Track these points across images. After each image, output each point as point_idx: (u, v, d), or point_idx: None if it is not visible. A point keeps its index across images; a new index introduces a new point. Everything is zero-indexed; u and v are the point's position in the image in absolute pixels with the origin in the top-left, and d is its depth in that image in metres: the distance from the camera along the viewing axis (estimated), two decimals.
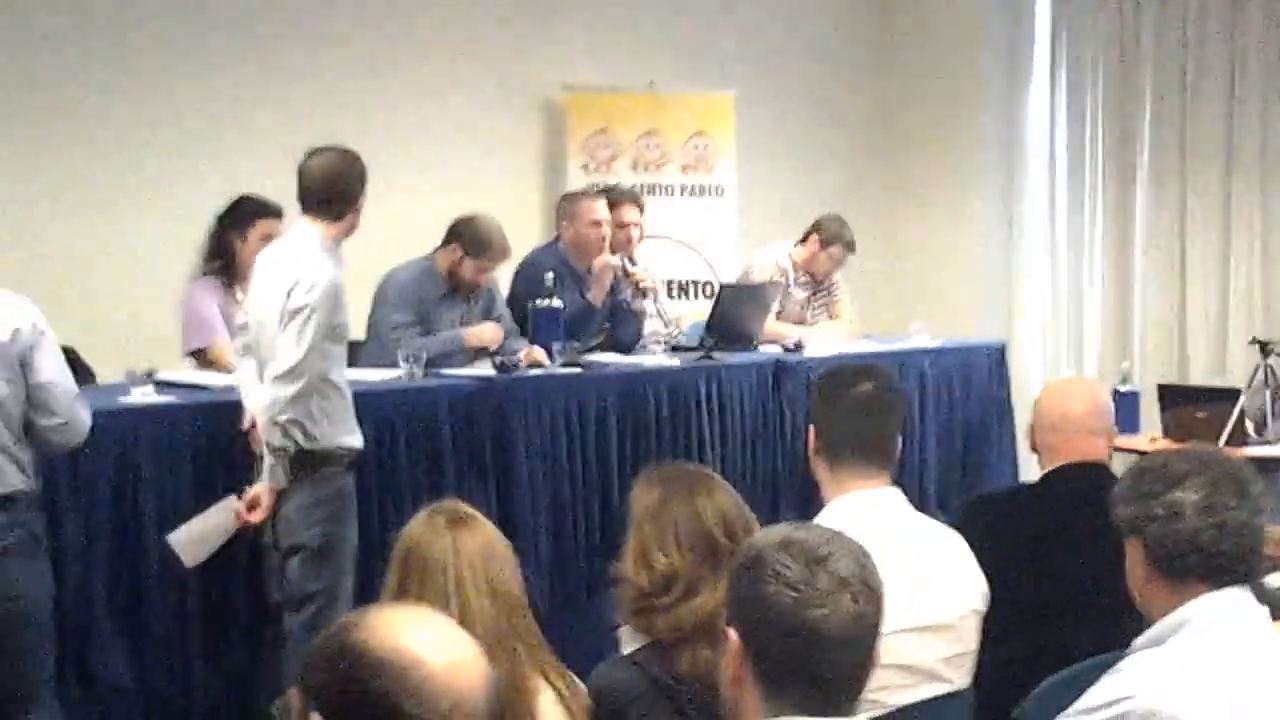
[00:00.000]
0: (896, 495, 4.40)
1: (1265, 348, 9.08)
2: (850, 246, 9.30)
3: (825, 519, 4.00)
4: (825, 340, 8.89)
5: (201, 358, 7.14)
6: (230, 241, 7.12)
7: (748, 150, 10.60)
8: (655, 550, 3.75)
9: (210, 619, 6.03)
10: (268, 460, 5.72)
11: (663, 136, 10.40)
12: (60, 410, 5.22)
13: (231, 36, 8.85)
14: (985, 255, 11.89)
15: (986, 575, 4.37)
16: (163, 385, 6.34)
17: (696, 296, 10.17)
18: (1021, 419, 9.93)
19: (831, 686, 2.62)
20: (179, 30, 8.69)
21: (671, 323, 9.00)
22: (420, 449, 6.55)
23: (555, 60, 10.16)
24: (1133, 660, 3.31)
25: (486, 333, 7.53)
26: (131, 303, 8.15)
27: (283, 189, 6.26)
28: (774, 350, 8.50)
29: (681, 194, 10.42)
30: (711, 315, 8.47)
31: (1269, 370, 8.99)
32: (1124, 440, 7.69)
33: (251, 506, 5.75)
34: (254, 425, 5.86)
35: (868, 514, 4.12)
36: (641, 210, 8.82)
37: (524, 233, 8.70)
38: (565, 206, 8.45)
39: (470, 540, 3.66)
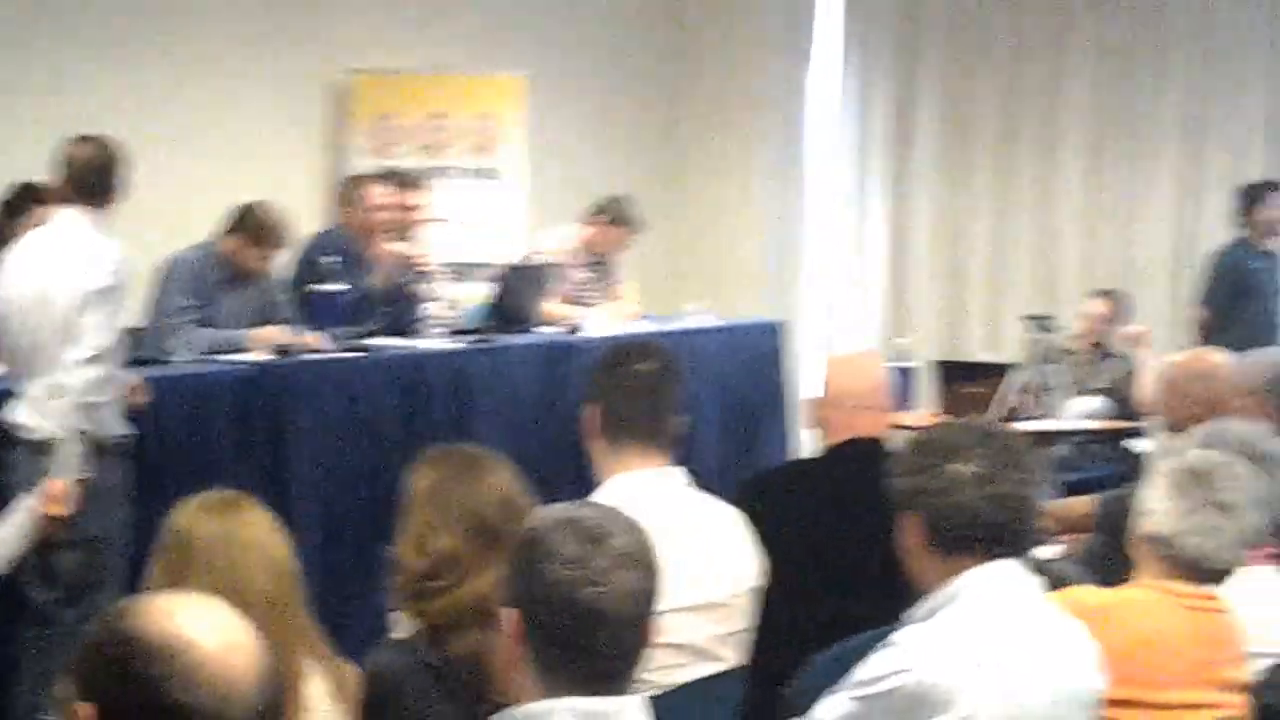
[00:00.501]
0: (675, 473, 4.39)
1: (1039, 322, 9.28)
2: (633, 227, 9.40)
3: (602, 497, 3.97)
4: (605, 321, 8.96)
5: None
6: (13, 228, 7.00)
7: (532, 133, 10.61)
8: (431, 533, 3.69)
9: None
10: (71, 449, 5.61)
11: (449, 119, 10.37)
12: None
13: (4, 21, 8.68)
14: (765, 235, 12.04)
15: (765, 551, 4.39)
16: None
17: (478, 279, 10.16)
18: (800, 397, 10.13)
19: (608, 664, 2.62)
20: None
21: (452, 305, 8.99)
22: (195, 434, 6.49)
23: (341, 42, 10.06)
24: (907, 633, 3.33)
25: (272, 335, 7.39)
26: None
27: None
28: (554, 331, 8.55)
29: (466, 176, 10.40)
30: (494, 296, 8.49)
31: (1042, 344, 9.19)
32: (902, 417, 7.81)
33: (50, 501, 5.60)
34: None
35: (644, 492, 4.09)
36: (426, 194, 8.83)
37: (308, 216, 8.66)
38: (348, 190, 8.43)
39: (241, 525, 3.61)
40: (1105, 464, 9.07)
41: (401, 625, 3.74)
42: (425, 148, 10.26)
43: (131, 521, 5.86)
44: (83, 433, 5.62)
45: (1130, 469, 8.65)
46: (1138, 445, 8.58)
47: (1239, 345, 7.08)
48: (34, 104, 8.49)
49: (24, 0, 8.76)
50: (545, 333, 8.54)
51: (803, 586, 4.59)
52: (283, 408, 6.80)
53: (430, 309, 8.54)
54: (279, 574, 3.59)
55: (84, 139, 5.96)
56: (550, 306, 8.91)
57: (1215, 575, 3.98)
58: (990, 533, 3.35)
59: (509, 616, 2.66)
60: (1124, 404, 9.47)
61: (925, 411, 9.39)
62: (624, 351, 4.62)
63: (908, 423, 7.98)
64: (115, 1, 9.15)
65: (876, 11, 11.99)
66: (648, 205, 9.83)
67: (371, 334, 7.85)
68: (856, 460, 4.95)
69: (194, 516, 3.63)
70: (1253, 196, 9.93)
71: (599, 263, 9.48)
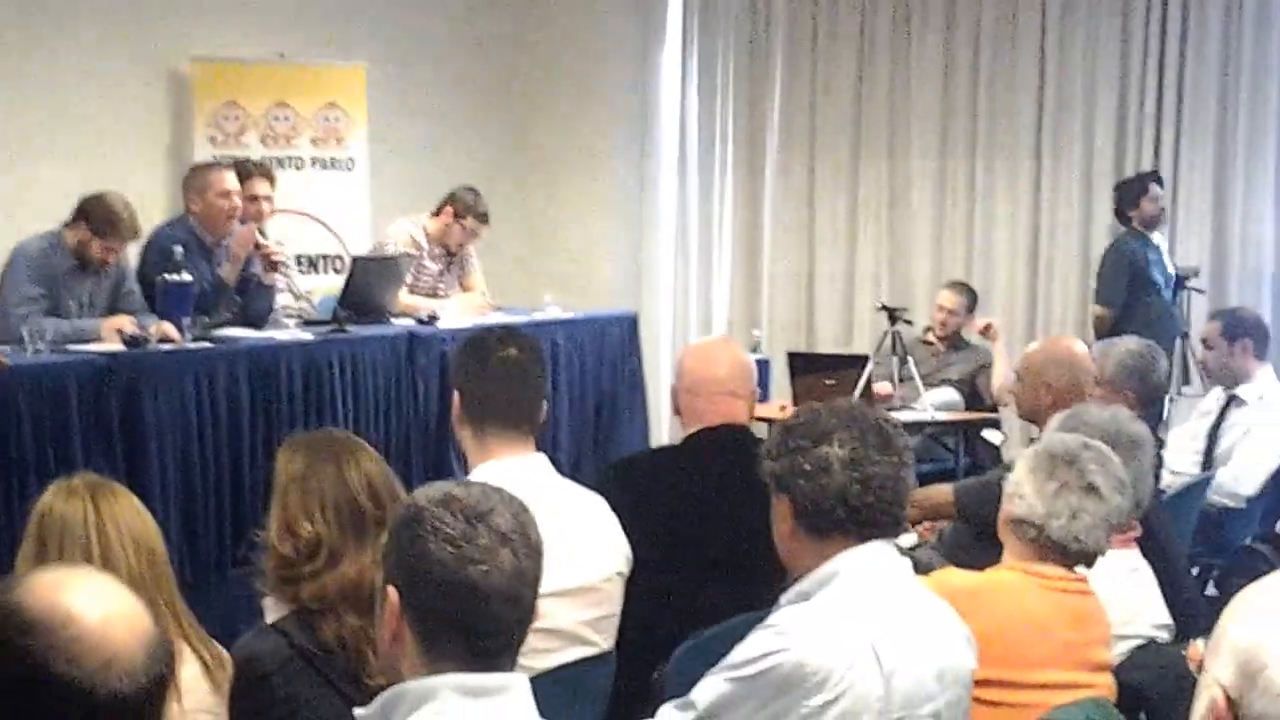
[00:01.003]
0: (541, 460, 4.45)
1: (892, 314, 9.38)
2: (483, 219, 9.38)
3: None
4: (458, 312, 8.98)
5: None
6: None
7: (380, 123, 10.57)
8: (300, 518, 3.69)
9: None
10: None
11: (293, 109, 10.29)
12: None
13: None
14: (617, 226, 12.06)
15: (629, 537, 4.44)
16: None
17: (328, 271, 10.11)
18: (653, 388, 10.20)
19: (491, 642, 2.63)
20: None
21: (303, 296, 8.97)
22: (47, 425, 6.42)
23: (182, 29, 9.94)
24: (782, 614, 3.37)
25: (122, 325, 7.28)
26: None
27: None
28: (407, 323, 8.55)
29: (312, 167, 10.33)
30: (344, 288, 8.47)
31: (896, 337, 9.30)
32: (755, 409, 7.87)
33: None
34: None
35: (512, 479, 4.05)
36: (272, 183, 8.80)
37: (151, 207, 8.58)
38: (194, 179, 8.34)
39: (110, 505, 3.65)
40: (958, 454, 9.22)
41: (272, 610, 3.74)
42: (270, 137, 10.19)
43: None
44: None
45: (984, 459, 8.82)
46: (992, 435, 8.71)
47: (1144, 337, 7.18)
48: None
49: None
50: (398, 324, 8.52)
51: (666, 572, 4.63)
52: (135, 398, 6.74)
53: (281, 300, 8.51)
54: (148, 555, 3.64)
55: None
56: (403, 298, 8.90)
57: (1082, 558, 4.07)
58: (861, 515, 3.41)
59: (390, 594, 2.67)
60: (976, 395, 9.63)
61: (777, 403, 9.46)
62: (487, 339, 4.64)
63: (761, 414, 8.07)
64: None
65: (723, 4, 12.06)
66: (496, 197, 9.84)
67: (222, 324, 7.80)
68: (717, 446, 5.02)
69: (62, 500, 3.65)
70: (1136, 189, 10.05)
71: (450, 255, 9.47)
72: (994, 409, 9.48)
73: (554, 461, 4.57)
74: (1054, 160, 11.30)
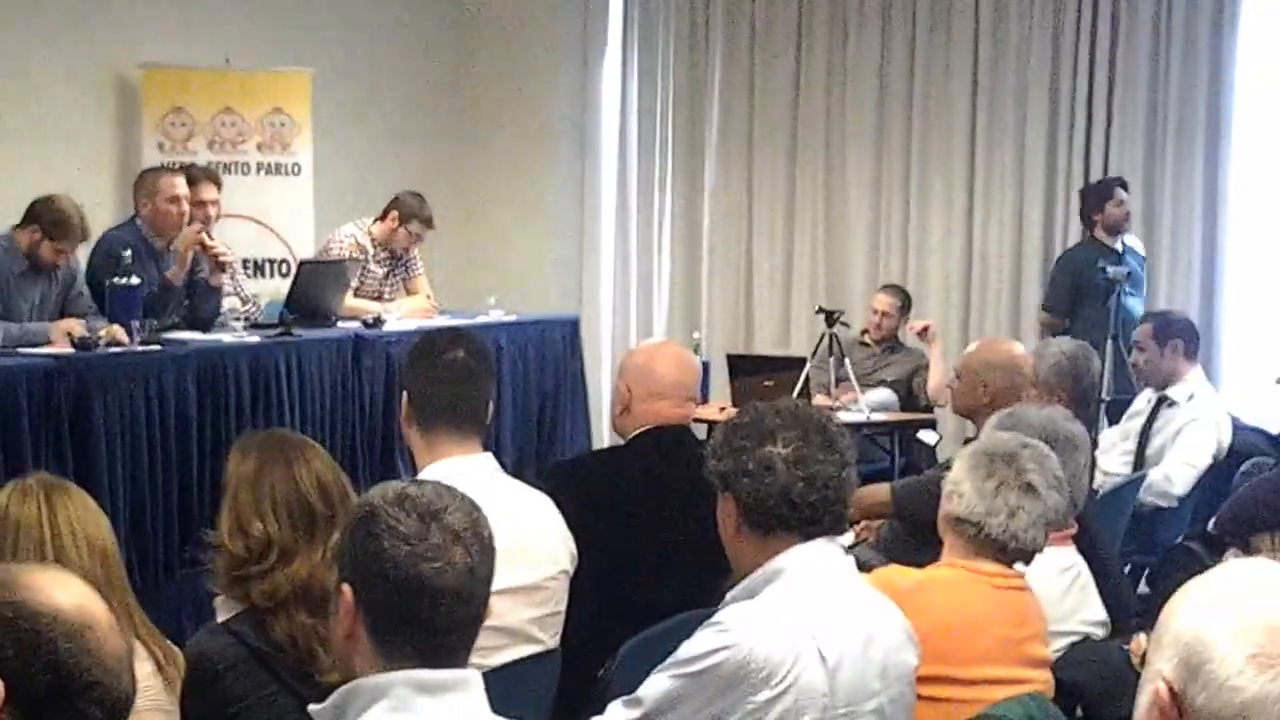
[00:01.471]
0: (488, 460, 4.45)
1: (830, 316, 9.40)
2: (428, 223, 9.38)
3: None
4: (404, 315, 8.97)
5: None
6: None
7: (325, 128, 10.54)
8: (251, 517, 3.69)
9: None
10: None
11: (240, 114, 10.26)
12: None
13: None
14: (558, 230, 12.07)
15: (575, 536, 4.45)
16: None
17: (274, 275, 10.08)
18: (594, 390, 10.21)
19: (445, 639, 2.64)
20: None
21: (250, 300, 8.94)
22: None
23: (129, 36, 9.90)
24: (727, 611, 3.37)
25: (72, 328, 7.21)
26: None
27: None
28: (353, 325, 8.53)
29: (259, 172, 10.30)
30: (291, 292, 8.46)
31: (833, 339, 9.32)
32: (696, 411, 7.87)
33: None
34: None
35: (461, 478, 4.07)
36: (219, 188, 8.79)
37: (99, 211, 8.52)
38: (143, 184, 8.31)
39: (65, 505, 3.64)
40: (893, 455, 9.25)
41: (223, 609, 3.74)
42: (217, 143, 10.15)
43: None
44: None
45: (920, 459, 8.85)
46: (927, 436, 8.73)
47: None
48: None
49: None
50: (344, 327, 8.49)
51: (612, 571, 4.64)
52: (85, 400, 6.68)
53: (228, 303, 8.47)
54: (101, 554, 3.62)
55: None
56: (348, 301, 8.88)
57: (1020, 555, 4.09)
58: (804, 513, 3.41)
59: (345, 592, 2.68)
60: (912, 396, 9.67)
61: (716, 404, 9.48)
62: (435, 341, 4.64)
63: (700, 415, 8.07)
64: None
65: (661, 10, 12.08)
66: (440, 202, 9.82)
67: (171, 327, 7.77)
68: (662, 447, 5.02)
69: (17, 500, 3.64)
70: (1100, 194, 10.03)
71: (395, 259, 9.46)
72: (929, 410, 9.52)
73: (498, 462, 4.57)
74: (987, 164, 11.32)
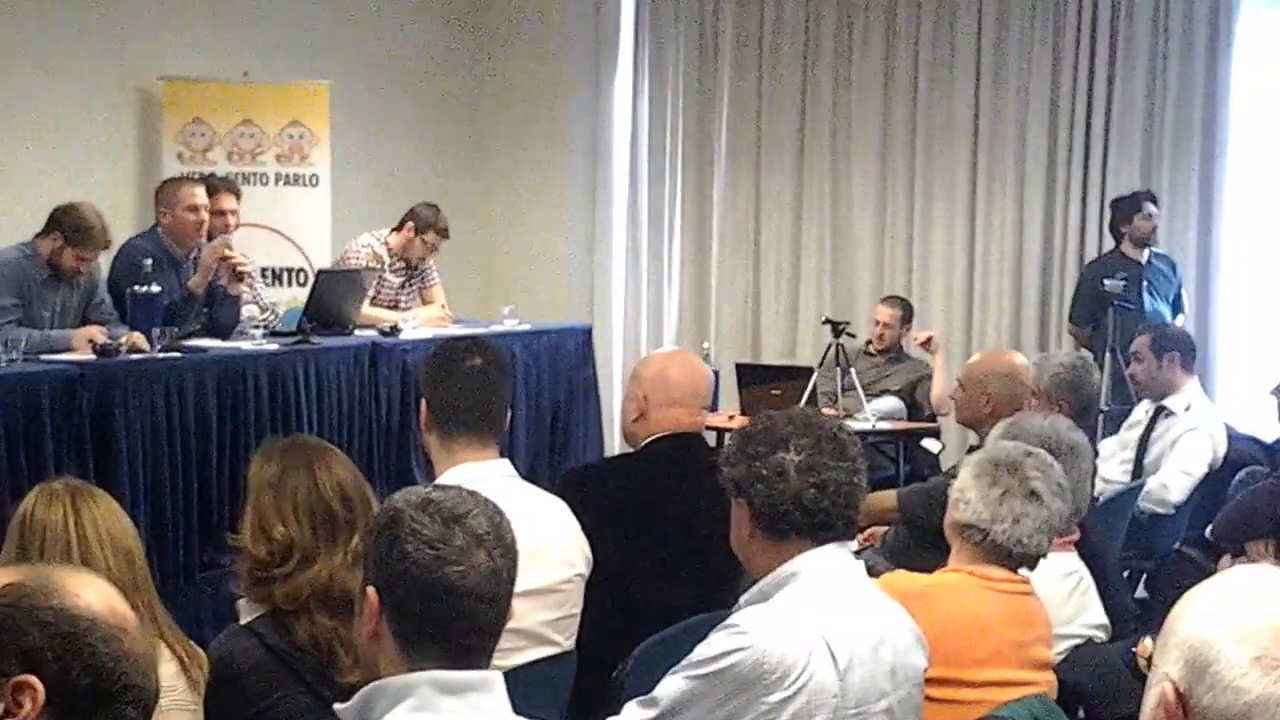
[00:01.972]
0: (505, 465, 4.47)
1: (836, 327, 9.42)
2: (444, 234, 9.39)
3: None
4: (419, 324, 8.98)
5: None
6: None
7: (343, 140, 10.57)
8: (274, 521, 3.71)
9: None
10: None
11: (258, 126, 10.28)
12: None
13: None
14: (571, 242, 12.10)
15: (590, 541, 4.45)
16: None
17: (291, 284, 10.10)
18: (606, 398, 10.22)
19: (468, 640, 2.65)
20: None
21: (269, 308, 8.95)
22: (20, 432, 6.37)
23: (150, 49, 9.93)
24: (742, 614, 3.37)
25: (93, 335, 7.22)
26: None
27: None
28: (370, 334, 8.54)
29: (277, 183, 10.33)
30: (309, 300, 8.46)
31: (839, 349, 9.33)
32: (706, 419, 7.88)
33: None
34: None
35: (478, 483, 4.09)
36: (238, 198, 8.80)
37: (120, 221, 8.55)
38: (164, 193, 8.33)
39: (90, 508, 3.64)
40: (898, 463, 9.24)
41: (246, 611, 3.75)
42: (235, 154, 10.18)
43: None
44: None
45: (924, 467, 8.85)
46: (931, 444, 8.74)
47: (1098, 358, 7.23)
48: None
49: None
50: (361, 335, 8.50)
51: (626, 574, 4.64)
52: (106, 406, 6.70)
53: (247, 311, 8.48)
54: (126, 557, 3.63)
55: None
56: (365, 310, 8.89)
57: (1024, 560, 4.11)
58: (815, 518, 3.42)
59: (370, 594, 2.69)
60: (916, 405, 9.67)
61: (725, 413, 9.49)
62: (454, 348, 4.66)
63: (710, 423, 8.08)
64: None
65: (671, 25, 12.11)
66: (455, 213, 9.83)
67: (191, 335, 7.78)
68: (674, 454, 5.03)
69: (43, 504, 3.65)
70: (1129, 207, 10.03)
71: (410, 268, 9.48)
72: (933, 419, 9.53)
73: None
74: (988, 178, 11.33)
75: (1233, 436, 7.85)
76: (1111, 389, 8.88)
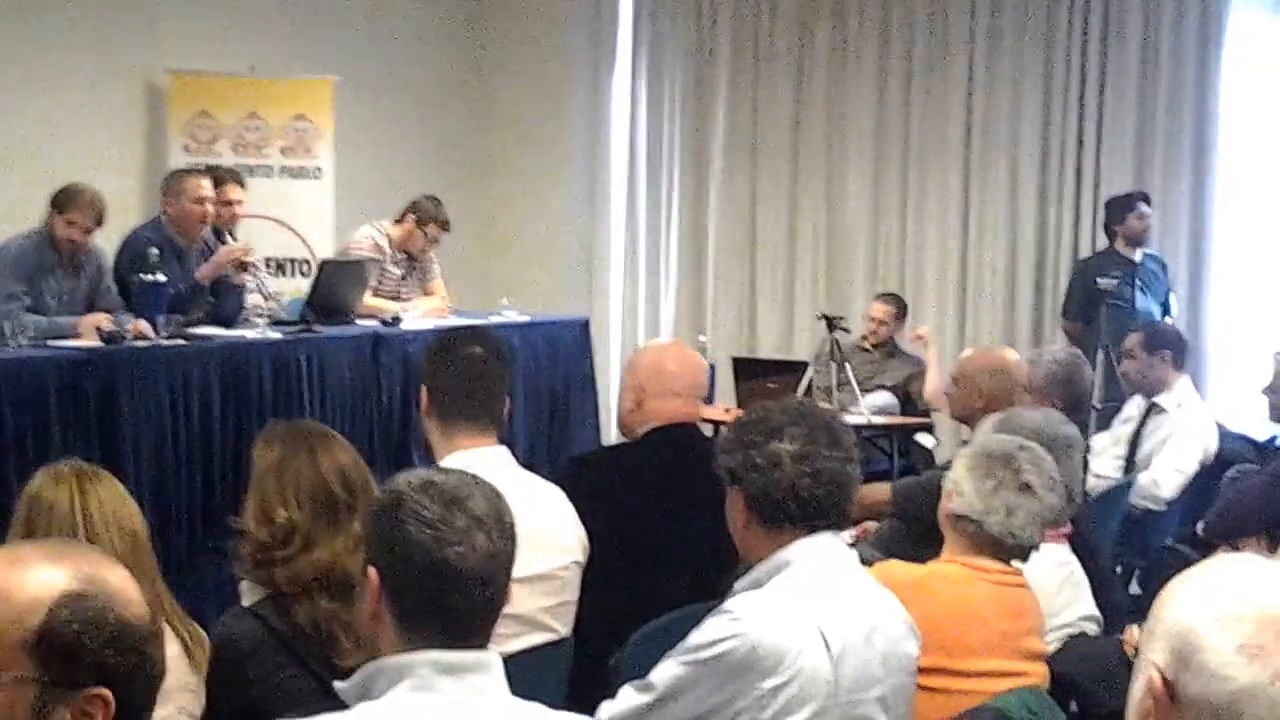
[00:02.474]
0: (503, 452, 4.45)
1: (831, 322, 9.44)
2: (444, 226, 9.40)
3: None
4: (420, 315, 8.98)
5: None
6: None
7: (346, 133, 10.58)
8: (276, 504, 3.71)
9: None
10: None
11: (264, 119, 10.30)
12: None
13: None
14: (569, 235, 12.12)
15: (586, 528, 4.45)
16: None
17: (295, 274, 10.12)
18: (603, 390, 10.22)
19: (466, 621, 2.65)
20: None
21: (272, 297, 8.96)
22: (26, 418, 6.38)
23: (158, 43, 9.97)
24: (736, 601, 3.38)
25: (100, 322, 7.22)
26: None
27: None
28: (372, 324, 8.54)
29: (281, 175, 10.35)
30: (312, 290, 8.47)
31: (834, 343, 9.34)
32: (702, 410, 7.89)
33: None
34: None
35: (477, 469, 4.08)
36: (243, 188, 8.80)
37: (126, 210, 8.57)
38: (170, 184, 8.32)
39: (95, 489, 3.66)
40: (892, 457, 9.26)
41: (248, 593, 3.75)
42: (241, 146, 10.19)
43: None
44: None
45: (918, 462, 8.87)
46: (925, 439, 8.76)
47: (1090, 355, 7.23)
48: None
49: None
50: (363, 325, 8.51)
51: (623, 562, 4.63)
52: (112, 392, 6.70)
53: (251, 300, 8.50)
54: (131, 538, 3.64)
55: None
56: (367, 300, 8.89)
57: (1018, 552, 4.11)
58: (809, 507, 3.43)
59: (371, 574, 2.69)
60: (910, 400, 9.69)
61: (721, 406, 9.50)
62: (454, 337, 4.68)
63: (706, 416, 8.09)
64: None
65: (670, 21, 12.13)
66: (456, 205, 9.84)
67: (195, 323, 7.78)
68: (671, 444, 5.03)
69: (50, 485, 3.66)
70: (1123, 207, 10.02)
71: (412, 260, 9.48)
72: (926, 414, 9.53)
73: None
74: (982, 178, 11.34)
75: (1224, 434, 7.85)
76: (1104, 386, 8.89)
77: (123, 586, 2.08)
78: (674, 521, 4.76)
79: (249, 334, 7.83)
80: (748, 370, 9.82)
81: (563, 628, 4.35)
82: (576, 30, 12.09)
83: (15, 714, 1.97)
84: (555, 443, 9.34)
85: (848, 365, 9.29)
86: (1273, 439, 7.91)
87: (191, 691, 3.62)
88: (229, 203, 8.54)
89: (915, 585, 3.89)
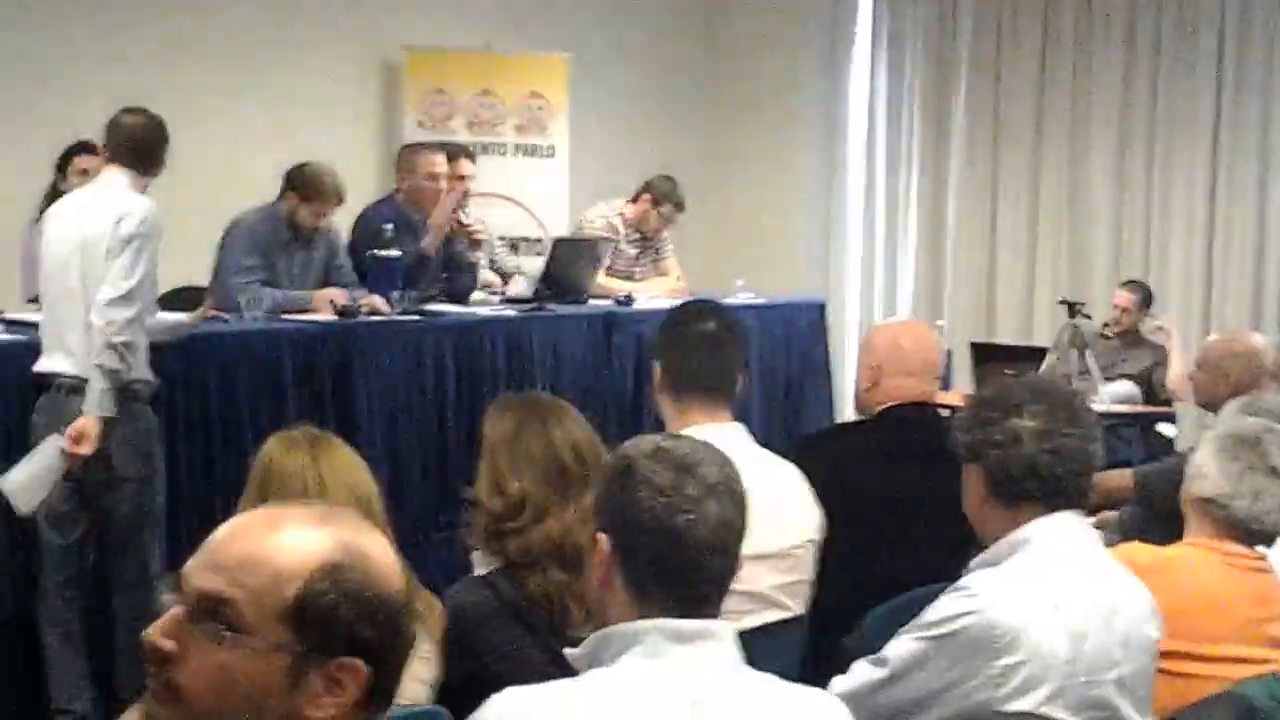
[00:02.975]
0: (738, 429, 4.45)
1: (1072, 308, 9.34)
2: (680, 206, 9.43)
3: None
4: (653, 295, 9.03)
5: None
6: (60, 188, 7.06)
7: (580, 112, 10.66)
8: (508, 476, 3.76)
9: None
10: (98, 387, 5.55)
11: (498, 96, 10.42)
12: None
13: None
14: (806, 216, 12.11)
15: (823, 507, 4.43)
16: (11, 324, 6.36)
17: (528, 252, 10.22)
18: (838, 374, 10.19)
19: (697, 590, 2.64)
20: None
21: (511, 274, 9.06)
22: (263, 391, 6.54)
23: (394, 20, 10.14)
24: (973, 578, 3.38)
25: (334, 296, 7.38)
26: None
27: None
28: (605, 303, 8.60)
29: (515, 153, 10.46)
30: (545, 268, 8.54)
31: (1075, 330, 9.24)
32: (938, 395, 7.84)
33: (77, 440, 5.54)
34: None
35: (713, 442, 4.12)
36: (474, 163, 8.88)
37: (361, 186, 8.71)
38: (404, 159, 8.45)
39: (328, 455, 3.72)
40: (1133, 447, 9.13)
41: (481, 564, 3.81)
42: (475, 124, 10.32)
43: (163, 465, 5.99)
44: (112, 372, 5.58)
45: (1158, 452, 8.73)
46: (1166, 429, 8.64)
47: None
48: (96, 75, 8.40)
49: None
50: (598, 304, 8.57)
51: (856, 543, 4.60)
52: (346, 366, 6.84)
53: (483, 277, 8.60)
54: (364, 504, 3.64)
55: (132, 110, 6.02)
56: (600, 280, 8.95)
57: (1264, 537, 4.05)
58: (1049, 484, 3.42)
59: (601, 541, 2.70)
60: (1151, 390, 9.55)
61: (959, 391, 9.43)
62: (687, 311, 4.70)
63: (943, 401, 8.03)
64: None
65: (911, 6, 12.08)
66: (691, 186, 9.87)
67: (429, 299, 7.89)
68: (905, 423, 5.02)
69: (282, 449, 3.73)
70: None
71: (645, 240, 9.53)
72: (1168, 403, 9.40)
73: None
74: (1230, 157, 11.19)
75: None
76: None
77: (382, 556, 2.08)
78: (908, 501, 4.73)
79: (482, 311, 7.92)
80: (986, 355, 9.77)
81: (797, 606, 4.33)
82: (814, 8, 12.06)
83: (269, 680, 1.98)
84: (790, 427, 9.31)
85: (1088, 352, 9.18)
86: None
87: (426, 659, 3.67)
88: (462, 177, 8.63)
89: (1157, 568, 3.84)
